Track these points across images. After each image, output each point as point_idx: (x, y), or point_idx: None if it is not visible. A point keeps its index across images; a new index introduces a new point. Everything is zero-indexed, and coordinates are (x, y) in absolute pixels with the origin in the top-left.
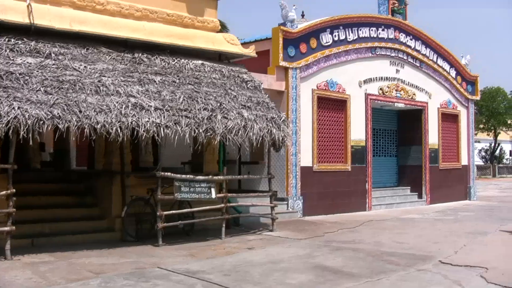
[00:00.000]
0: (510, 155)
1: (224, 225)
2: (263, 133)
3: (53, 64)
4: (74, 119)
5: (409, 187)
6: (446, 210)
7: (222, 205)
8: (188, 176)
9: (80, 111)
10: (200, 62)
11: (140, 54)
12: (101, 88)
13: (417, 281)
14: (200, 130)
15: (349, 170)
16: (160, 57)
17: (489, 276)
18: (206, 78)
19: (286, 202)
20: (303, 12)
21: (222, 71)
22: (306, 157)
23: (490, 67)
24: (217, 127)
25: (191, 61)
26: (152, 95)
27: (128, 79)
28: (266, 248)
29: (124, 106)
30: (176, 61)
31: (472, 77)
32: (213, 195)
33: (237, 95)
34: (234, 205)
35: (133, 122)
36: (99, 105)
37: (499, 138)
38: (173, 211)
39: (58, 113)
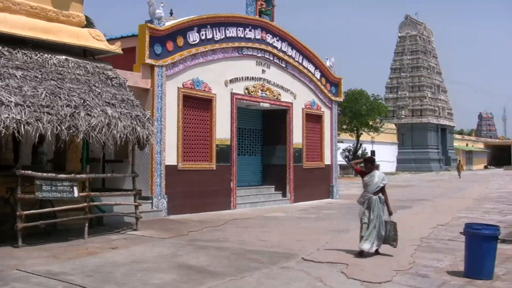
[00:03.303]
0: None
1: (87, 224)
2: (127, 131)
3: None
4: None
5: (274, 186)
6: (310, 208)
7: (85, 204)
8: (49, 174)
9: None
10: (64, 57)
11: (0, 48)
12: None
13: (280, 278)
14: (63, 128)
15: (214, 169)
16: (22, 51)
17: (349, 272)
18: (70, 74)
19: (150, 201)
20: (171, 10)
21: (87, 67)
22: (171, 156)
23: (354, 71)
24: (81, 125)
25: (54, 56)
26: (12, 90)
27: None
28: (129, 247)
29: None
30: (39, 55)
31: (336, 79)
32: (76, 194)
33: (101, 92)
34: (98, 204)
35: None
36: None
37: (361, 138)
38: (34, 211)
39: None
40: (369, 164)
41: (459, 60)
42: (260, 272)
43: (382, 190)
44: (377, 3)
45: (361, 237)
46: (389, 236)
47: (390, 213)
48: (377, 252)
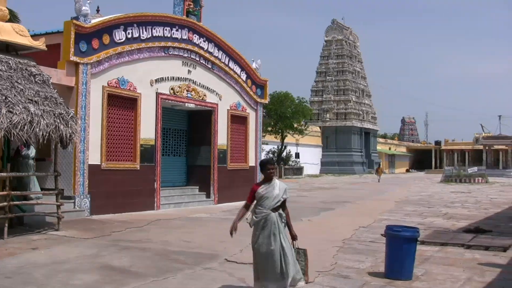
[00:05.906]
0: (296, 157)
1: (7, 224)
2: (50, 129)
3: None
4: None
5: (198, 187)
6: (234, 209)
7: (5, 203)
8: None
9: None
10: None
11: None
12: None
13: (203, 279)
14: None
15: (138, 169)
16: None
17: None
18: None
19: (73, 201)
20: (98, 7)
21: (9, 63)
22: (94, 155)
23: (280, 73)
24: (1, 122)
25: None
26: None
27: None
28: (51, 248)
29: None
30: None
31: (262, 81)
32: None
33: (24, 88)
34: (18, 204)
35: None
36: None
37: (286, 141)
38: None
39: None
40: (268, 168)
41: (383, 65)
42: (183, 273)
43: (282, 205)
44: (304, 7)
45: (257, 277)
46: (298, 269)
47: (293, 237)
48: None
